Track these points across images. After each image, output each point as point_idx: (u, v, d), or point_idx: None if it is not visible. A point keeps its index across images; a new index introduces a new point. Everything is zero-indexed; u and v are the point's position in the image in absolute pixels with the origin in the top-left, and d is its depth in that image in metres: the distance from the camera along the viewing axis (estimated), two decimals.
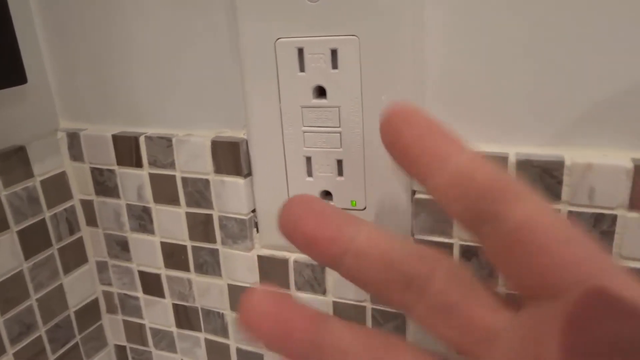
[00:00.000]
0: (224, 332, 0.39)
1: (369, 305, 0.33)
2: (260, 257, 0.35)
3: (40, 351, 0.39)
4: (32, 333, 0.38)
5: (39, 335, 0.39)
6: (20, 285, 0.37)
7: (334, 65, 0.28)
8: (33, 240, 0.37)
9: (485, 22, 0.26)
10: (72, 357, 0.42)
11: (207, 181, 0.35)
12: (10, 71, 0.33)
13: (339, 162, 0.31)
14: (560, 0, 0.25)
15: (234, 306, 0.38)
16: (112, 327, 0.45)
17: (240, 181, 0.34)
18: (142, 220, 0.39)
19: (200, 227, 0.37)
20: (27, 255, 0.37)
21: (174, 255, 0.39)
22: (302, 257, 0.34)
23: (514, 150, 0.27)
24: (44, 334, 0.39)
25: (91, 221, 0.41)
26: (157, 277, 0.40)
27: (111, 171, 0.38)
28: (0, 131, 0.35)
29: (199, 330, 0.41)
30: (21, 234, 0.36)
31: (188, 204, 0.36)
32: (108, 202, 0.39)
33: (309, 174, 0.31)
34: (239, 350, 0.40)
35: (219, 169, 0.34)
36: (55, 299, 0.40)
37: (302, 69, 0.29)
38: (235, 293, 0.38)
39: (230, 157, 0.33)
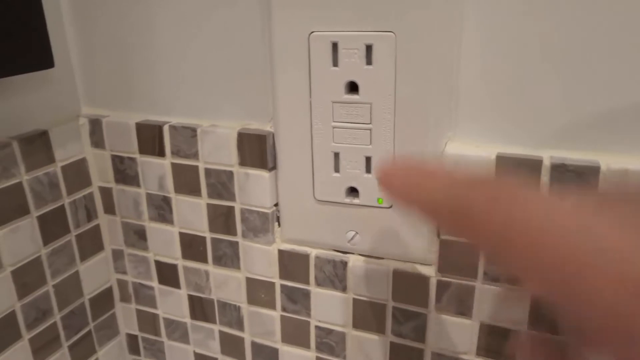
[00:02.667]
0: (240, 325, 0.39)
1: (389, 304, 0.33)
2: (280, 252, 0.35)
3: (55, 338, 0.39)
4: (47, 319, 0.38)
5: (54, 322, 0.38)
6: (38, 270, 0.36)
7: (368, 61, 0.28)
8: (52, 226, 0.37)
9: (523, 24, 0.26)
10: (84, 344, 0.42)
11: (230, 173, 0.35)
12: (39, 55, 0.33)
13: (368, 159, 0.30)
14: (600, 5, 0.24)
15: (251, 299, 0.38)
16: (125, 316, 0.45)
17: (264, 174, 0.34)
18: (162, 209, 0.38)
19: (221, 219, 0.36)
20: (46, 241, 0.37)
21: (192, 246, 0.39)
22: (323, 252, 0.34)
23: (549, 154, 0.27)
24: (59, 321, 0.39)
25: (109, 209, 0.41)
26: (174, 267, 0.40)
27: (132, 159, 0.38)
28: (25, 115, 0.35)
29: (214, 322, 0.40)
30: (41, 219, 0.36)
31: (210, 195, 0.36)
32: (127, 191, 0.39)
33: (336, 169, 0.31)
34: (253, 344, 0.40)
35: (243, 161, 0.34)
36: (71, 286, 0.39)
37: (335, 64, 0.29)
38: (253, 286, 0.37)
39: (256, 149, 0.33)
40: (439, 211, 0.17)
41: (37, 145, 0.35)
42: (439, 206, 0.17)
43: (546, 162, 0.26)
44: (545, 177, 0.27)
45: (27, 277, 0.36)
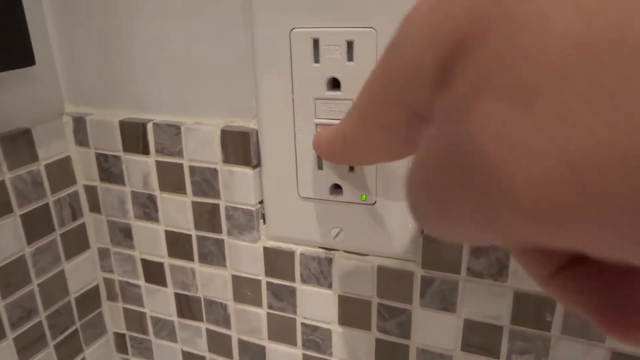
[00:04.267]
0: (226, 323, 0.39)
1: (374, 300, 0.33)
2: (266, 249, 0.35)
3: (40, 337, 0.39)
4: (32, 318, 0.38)
5: (39, 321, 0.38)
6: (22, 269, 0.36)
7: (350, 57, 0.28)
8: (36, 224, 0.37)
9: None
10: (71, 343, 0.42)
11: (215, 170, 0.34)
12: (19, 52, 0.33)
13: None
14: None
15: (237, 297, 0.38)
16: (112, 314, 0.45)
17: (249, 171, 0.33)
18: (147, 208, 0.38)
19: (206, 216, 0.36)
20: (30, 239, 0.37)
21: (178, 244, 0.38)
22: (309, 249, 0.34)
23: None
24: (44, 320, 0.39)
25: (94, 207, 0.41)
26: (160, 265, 0.40)
27: (117, 157, 0.38)
28: (7, 113, 0.35)
29: (201, 320, 0.40)
30: (24, 218, 0.36)
31: (195, 193, 0.36)
32: (112, 189, 0.39)
33: (319, 166, 0.31)
34: (240, 341, 0.39)
35: (227, 159, 0.34)
36: (56, 285, 0.39)
37: (316, 60, 0.29)
38: (239, 284, 0.37)
39: (240, 147, 0.33)
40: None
41: (20, 143, 0.35)
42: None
43: None
44: None
45: (11, 276, 0.36)
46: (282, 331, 0.37)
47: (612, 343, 0.28)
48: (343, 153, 0.22)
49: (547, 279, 0.15)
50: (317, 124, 0.30)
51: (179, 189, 0.36)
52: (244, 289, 0.37)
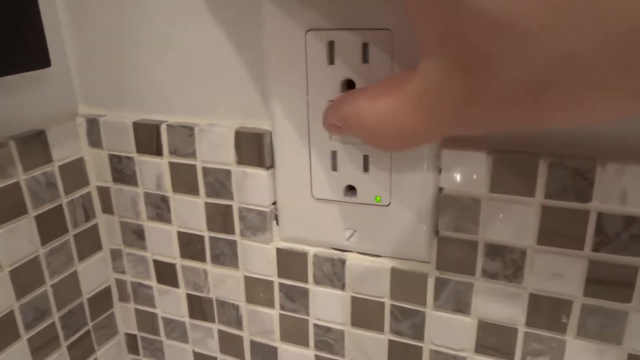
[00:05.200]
0: (238, 324, 0.39)
1: (387, 301, 0.33)
2: (279, 250, 0.35)
3: (54, 337, 0.39)
4: (46, 319, 0.38)
5: (52, 322, 0.38)
6: (36, 270, 0.36)
7: (365, 59, 0.28)
8: (50, 225, 0.37)
9: None
10: (83, 344, 0.42)
11: (228, 172, 0.35)
12: (35, 54, 0.33)
13: (365, 158, 0.30)
14: None
15: (249, 298, 0.38)
16: (124, 315, 0.45)
17: (262, 173, 0.33)
18: (160, 209, 0.38)
19: (219, 217, 0.36)
20: (44, 240, 0.37)
21: (190, 245, 0.39)
22: (322, 251, 0.34)
23: (546, 151, 0.27)
24: (57, 321, 0.39)
25: (107, 208, 0.41)
26: (172, 266, 0.40)
27: (130, 159, 0.38)
28: (21, 114, 0.35)
29: (213, 321, 0.40)
30: (38, 219, 0.36)
31: (208, 194, 0.36)
32: (125, 190, 0.39)
33: (334, 168, 0.31)
34: (252, 342, 0.40)
35: (241, 160, 0.34)
36: (69, 286, 0.39)
37: (331, 62, 0.29)
38: (252, 285, 0.37)
39: (254, 148, 0.33)
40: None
41: (34, 145, 0.35)
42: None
43: (543, 159, 0.26)
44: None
45: (25, 277, 0.36)
46: (294, 332, 0.37)
47: (629, 345, 0.28)
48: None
49: None
50: None
51: (192, 190, 0.36)
52: (257, 290, 0.37)
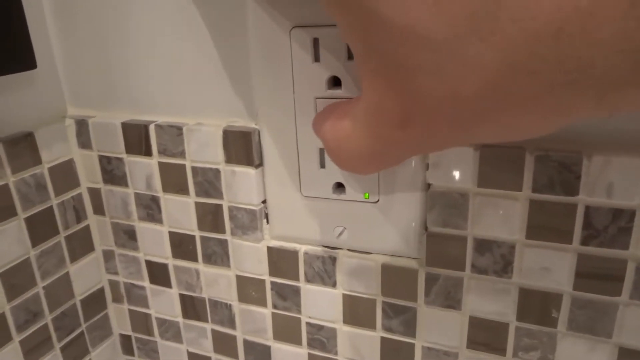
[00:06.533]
0: (231, 323, 0.39)
1: (379, 298, 0.33)
2: (269, 249, 0.35)
3: (46, 339, 0.39)
4: (38, 321, 0.38)
5: (45, 324, 0.38)
6: (26, 272, 0.36)
7: (350, 56, 0.28)
8: (40, 227, 0.37)
9: None
10: (77, 345, 0.42)
11: (217, 171, 0.34)
12: (20, 56, 0.33)
13: None
14: None
15: (242, 297, 0.38)
16: (118, 316, 0.45)
17: (251, 171, 0.33)
18: (150, 209, 0.38)
19: (210, 217, 0.36)
20: (34, 242, 0.37)
21: (181, 245, 0.38)
22: (313, 248, 0.34)
23: (532, 145, 0.27)
24: (50, 322, 0.39)
25: (98, 209, 0.41)
26: (164, 267, 0.40)
27: (120, 159, 0.38)
28: (9, 116, 0.35)
29: (206, 320, 0.40)
30: (28, 221, 0.36)
31: (197, 194, 0.36)
32: (116, 191, 0.39)
33: (322, 165, 0.31)
34: (245, 342, 0.39)
35: (230, 159, 0.34)
36: (61, 287, 0.39)
37: (316, 59, 0.29)
38: (244, 284, 0.37)
39: (242, 146, 0.33)
40: None
41: (23, 146, 0.35)
42: None
43: (529, 153, 0.26)
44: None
45: (16, 279, 0.36)
46: (287, 331, 0.37)
47: (619, 339, 0.28)
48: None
49: None
50: None
51: (182, 189, 0.36)
52: (249, 289, 0.37)
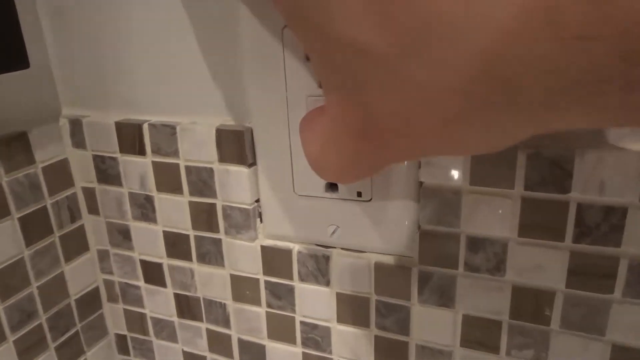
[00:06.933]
0: (226, 323, 0.39)
1: (372, 297, 0.33)
2: (263, 248, 0.35)
3: (41, 339, 0.39)
4: (32, 321, 0.38)
5: (39, 323, 0.38)
6: (20, 272, 0.36)
7: None
8: (34, 227, 0.37)
9: None
10: (72, 345, 0.42)
11: (211, 170, 0.34)
12: (13, 55, 0.33)
13: None
14: None
15: (236, 296, 0.38)
16: (113, 316, 0.45)
17: (244, 170, 0.33)
18: (145, 208, 0.38)
19: (204, 216, 0.36)
20: (28, 242, 0.37)
21: (176, 244, 0.38)
22: (306, 247, 0.34)
23: (524, 143, 0.27)
24: (45, 322, 0.39)
25: (93, 209, 0.41)
26: (159, 266, 0.40)
27: (114, 159, 0.38)
28: (2, 116, 0.35)
29: (201, 320, 0.40)
30: (22, 220, 0.36)
31: (191, 193, 0.36)
32: (110, 190, 0.39)
33: None
34: (240, 341, 0.39)
35: (223, 158, 0.34)
36: (56, 287, 0.39)
37: (308, 58, 0.29)
38: (238, 283, 0.37)
39: (235, 146, 0.33)
40: None
41: (16, 146, 0.35)
42: None
43: (521, 151, 0.26)
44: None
45: (9, 279, 0.36)
46: (281, 330, 0.37)
47: (612, 336, 0.27)
48: None
49: None
50: None
51: (176, 189, 0.36)
52: (243, 288, 0.37)
